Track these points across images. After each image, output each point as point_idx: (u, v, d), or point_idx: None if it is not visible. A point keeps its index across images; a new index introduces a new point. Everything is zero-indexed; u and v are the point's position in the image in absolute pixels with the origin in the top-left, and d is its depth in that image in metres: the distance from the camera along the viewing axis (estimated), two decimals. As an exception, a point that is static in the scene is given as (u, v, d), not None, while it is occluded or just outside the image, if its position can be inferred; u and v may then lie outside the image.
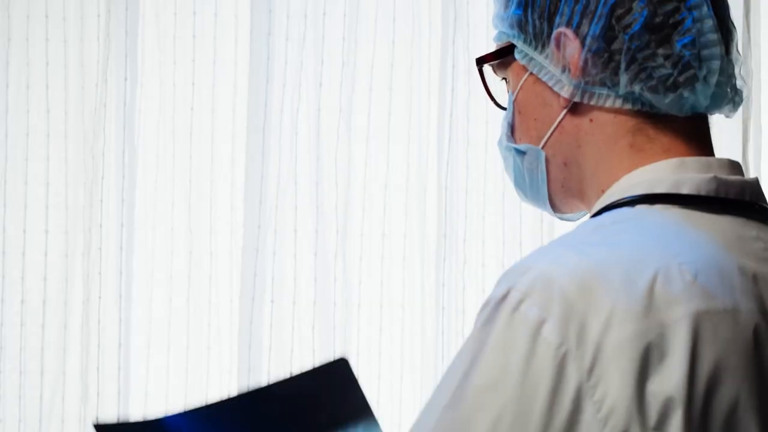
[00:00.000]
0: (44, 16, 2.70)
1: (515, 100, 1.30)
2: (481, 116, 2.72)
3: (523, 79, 1.29)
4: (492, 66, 1.33)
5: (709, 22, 1.22)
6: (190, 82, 2.71)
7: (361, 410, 1.56)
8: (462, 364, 1.12)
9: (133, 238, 2.68)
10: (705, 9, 1.22)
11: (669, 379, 1.08)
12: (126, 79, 2.68)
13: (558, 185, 1.29)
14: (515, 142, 1.31)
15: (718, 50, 1.22)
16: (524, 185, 1.33)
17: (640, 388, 1.07)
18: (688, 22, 1.21)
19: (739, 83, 1.25)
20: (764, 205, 1.23)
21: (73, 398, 2.68)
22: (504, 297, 1.10)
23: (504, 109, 1.34)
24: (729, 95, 1.24)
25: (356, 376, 1.52)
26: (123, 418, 2.61)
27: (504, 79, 1.33)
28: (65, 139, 2.70)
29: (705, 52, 1.21)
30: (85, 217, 2.68)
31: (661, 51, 1.21)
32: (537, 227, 2.69)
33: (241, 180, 2.70)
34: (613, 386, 1.07)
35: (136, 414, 2.70)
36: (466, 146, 2.72)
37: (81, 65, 2.70)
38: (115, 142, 2.68)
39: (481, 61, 1.34)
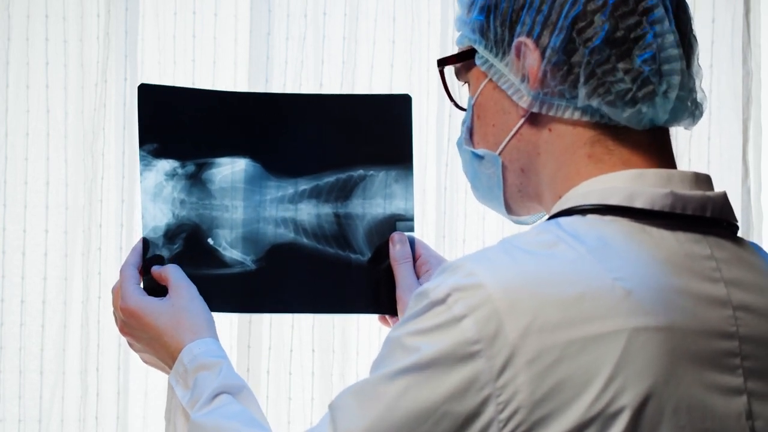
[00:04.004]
0: (44, 16, 2.70)
1: (474, 104, 1.31)
2: (480, 116, 2.71)
3: (483, 84, 1.29)
4: (454, 69, 1.33)
5: (671, 37, 1.21)
6: (190, 82, 2.72)
7: (403, 155, 1.57)
8: (385, 347, 1.16)
9: (132, 238, 2.67)
10: (666, 24, 1.21)
11: (584, 394, 1.09)
12: (126, 79, 2.68)
13: (515, 190, 1.29)
14: (473, 146, 1.32)
15: (678, 65, 1.21)
16: (481, 188, 1.34)
17: (550, 398, 1.08)
18: (649, 37, 1.20)
19: (699, 96, 1.25)
20: (730, 220, 1.22)
21: (73, 398, 2.67)
22: (434, 289, 1.13)
23: (464, 110, 1.34)
24: (689, 109, 1.24)
25: (413, 118, 1.53)
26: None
27: (466, 83, 1.33)
28: (65, 139, 2.70)
29: (665, 67, 1.21)
30: (85, 217, 2.68)
31: (621, 65, 1.20)
32: (537, 227, 2.69)
33: (242, 181, 2.70)
34: (522, 392, 1.08)
35: (136, 414, 2.70)
36: (465, 146, 2.72)
37: (81, 65, 2.70)
38: (114, 142, 2.69)
39: (442, 63, 1.34)
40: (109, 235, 2.68)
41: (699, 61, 1.26)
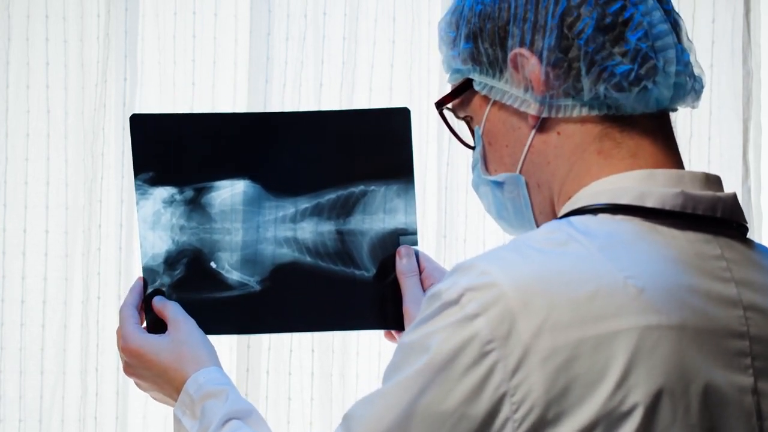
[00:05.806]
0: (44, 16, 2.70)
1: (483, 132, 1.31)
2: (481, 116, 2.71)
3: (487, 109, 1.29)
4: (452, 108, 1.34)
5: (657, 14, 1.24)
6: (190, 82, 2.71)
7: (403, 169, 1.57)
8: (397, 354, 1.16)
9: (132, 239, 2.67)
10: (650, 2, 1.24)
11: (597, 392, 1.09)
12: (126, 79, 2.68)
13: (538, 211, 1.30)
14: (491, 175, 1.32)
15: (670, 39, 1.23)
16: (509, 216, 1.33)
17: (564, 397, 1.08)
18: (636, 18, 1.23)
19: (696, 71, 1.26)
20: (740, 221, 1.23)
21: (73, 398, 2.68)
22: (447, 290, 1.13)
23: (473, 148, 1.34)
24: (689, 83, 1.25)
25: (412, 131, 1.53)
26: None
27: (466, 118, 1.33)
28: (65, 139, 2.70)
29: (658, 43, 1.23)
30: (85, 217, 2.68)
31: (617, 49, 1.22)
32: (537, 227, 2.69)
33: (242, 181, 2.70)
34: (536, 390, 1.08)
35: (135, 414, 2.70)
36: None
37: (81, 65, 2.70)
38: (114, 142, 2.68)
39: (440, 104, 1.34)
40: (109, 235, 2.68)
41: (688, 36, 1.28)
